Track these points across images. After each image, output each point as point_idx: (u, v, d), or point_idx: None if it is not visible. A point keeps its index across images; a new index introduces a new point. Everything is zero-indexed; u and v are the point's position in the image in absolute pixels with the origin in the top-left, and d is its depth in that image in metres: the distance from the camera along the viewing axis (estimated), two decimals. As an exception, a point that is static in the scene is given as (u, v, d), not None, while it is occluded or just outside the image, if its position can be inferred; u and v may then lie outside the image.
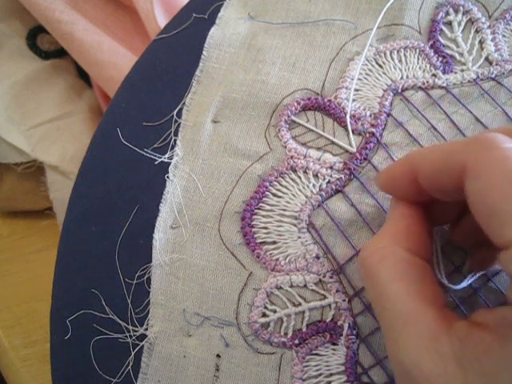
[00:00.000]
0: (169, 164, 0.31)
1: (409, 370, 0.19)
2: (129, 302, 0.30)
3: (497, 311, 0.19)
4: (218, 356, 0.28)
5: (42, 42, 0.50)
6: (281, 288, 0.28)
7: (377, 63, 0.31)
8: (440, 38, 0.32)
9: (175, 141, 0.32)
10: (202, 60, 0.33)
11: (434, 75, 0.31)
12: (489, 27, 0.32)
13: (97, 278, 0.30)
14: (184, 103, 0.32)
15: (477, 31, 0.32)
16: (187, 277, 0.29)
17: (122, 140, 0.32)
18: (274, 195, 0.30)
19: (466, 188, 0.19)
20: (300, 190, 0.29)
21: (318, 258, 0.28)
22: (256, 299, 0.28)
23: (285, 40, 0.32)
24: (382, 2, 0.32)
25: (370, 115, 0.30)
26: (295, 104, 0.30)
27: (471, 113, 0.30)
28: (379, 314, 0.22)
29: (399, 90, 0.31)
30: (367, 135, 0.30)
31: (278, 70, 0.32)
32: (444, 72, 0.31)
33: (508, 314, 0.18)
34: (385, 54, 0.31)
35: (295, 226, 0.29)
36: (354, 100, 0.30)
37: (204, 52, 0.33)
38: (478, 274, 0.26)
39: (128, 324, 0.29)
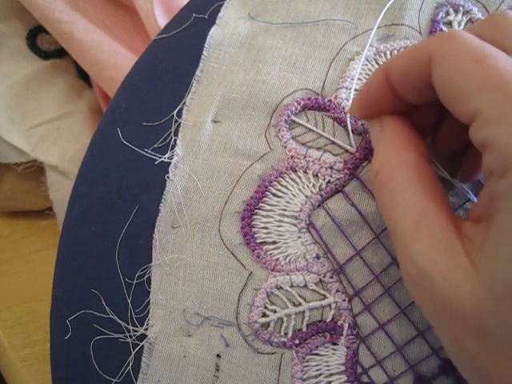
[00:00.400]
0: (169, 164, 0.31)
1: (423, 271, 0.20)
2: (129, 301, 0.30)
3: (481, 197, 0.20)
4: (218, 356, 0.28)
5: (42, 42, 0.50)
6: (281, 288, 0.28)
7: (377, 63, 0.31)
8: (440, 38, 0.32)
9: (175, 141, 0.32)
10: (202, 60, 0.33)
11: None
12: (489, 27, 0.32)
13: (97, 278, 0.30)
14: (184, 103, 0.32)
15: (477, 31, 0.32)
16: (187, 277, 0.29)
17: (122, 140, 0.32)
18: (274, 195, 0.30)
19: (433, 78, 0.21)
20: (300, 190, 0.29)
21: (318, 257, 0.28)
22: (256, 299, 0.28)
23: (285, 40, 0.32)
24: (381, 1, 0.32)
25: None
26: (295, 104, 0.30)
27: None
28: (394, 222, 0.22)
29: (399, 90, 0.31)
30: (367, 135, 0.30)
31: (278, 70, 0.32)
32: (444, 72, 0.31)
33: (487, 194, 0.19)
34: (385, 54, 0.31)
35: (295, 225, 0.29)
36: (349, 100, 0.30)
37: (204, 52, 0.33)
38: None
39: (128, 324, 0.29)
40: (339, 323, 0.28)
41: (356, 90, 0.31)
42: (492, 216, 0.18)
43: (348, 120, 0.29)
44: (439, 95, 0.21)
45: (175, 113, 0.32)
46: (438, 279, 0.19)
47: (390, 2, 0.31)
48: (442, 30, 0.32)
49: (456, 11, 0.32)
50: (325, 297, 0.28)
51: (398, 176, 0.22)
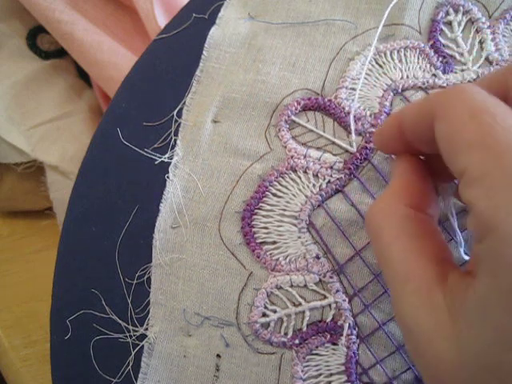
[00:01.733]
0: (169, 164, 0.31)
1: (409, 327, 0.20)
2: (129, 301, 0.30)
3: (472, 253, 0.19)
4: (218, 356, 0.28)
5: (42, 42, 0.50)
6: (281, 288, 0.28)
7: (377, 63, 0.31)
8: (440, 38, 0.32)
9: (175, 141, 0.32)
10: (202, 60, 0.33)
11: (434, 75, 0.31)
12: (489, 27, 0.32)
13: (97, 278, 0.30)
14: (184, 103, 0.32)
15: (477, 31, 0.32)
16: (187, 277, 0.29)
17: (122, 140, 0.32)
18: (274, 195, 0.30)
19: (435, 132, 0.20)
20: (300, 190, 0.29)
21: (318, 257, 0.28)
22: (256, 299, 0.28)
23: (285, 40, 0.32)
24: (381, 1, 0.32)
25: (370, 115, 0.30)
26: (295, 104, 0.30)
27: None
28: (384, 273, 0.22)
29: (399, 90, 0.31)
30: (367, 135, 0.30)
31: (278, 70, 0.32)
32: (444, 72, 0.31)
33: (474, 252, 0.19)
34: (385, 54, 0.31)
35: (295, 225, 0.29)
36: (353, 100, 0.30)
37: (204, 52, 0.33)
38: None
39: (128, 324, 0.29)
40: (339, 323, 0.28)
41: (353, 89, 0.31)
42: (473, 277, 0.18)
43: (352, 120, 0.29)
44: (440, 150, 0.20)
45: (175, 113, 0.32)
46: (421, 343, 0.19)
47: (393, 3, 0.31)
48: (441, 29, 0.32)
49: (456, 11, 0.32)
50: (325, 297, 0.28)
51: (386, 229, 0.22)
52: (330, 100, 0.30)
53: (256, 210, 0.29)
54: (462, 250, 0.25)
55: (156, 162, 0.31)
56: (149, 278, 0.30)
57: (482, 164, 0.17)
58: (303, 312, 0.28)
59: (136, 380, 0.29)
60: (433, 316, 0.19)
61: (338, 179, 0.29)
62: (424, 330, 0.19)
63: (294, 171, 0.30)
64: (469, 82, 0.31)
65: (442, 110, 0.20)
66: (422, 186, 0.23)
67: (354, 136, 0.29)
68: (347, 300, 0.28)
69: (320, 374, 0.28)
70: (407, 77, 0.31)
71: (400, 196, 0.23)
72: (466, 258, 0.25)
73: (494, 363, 0.17)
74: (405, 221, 0.22)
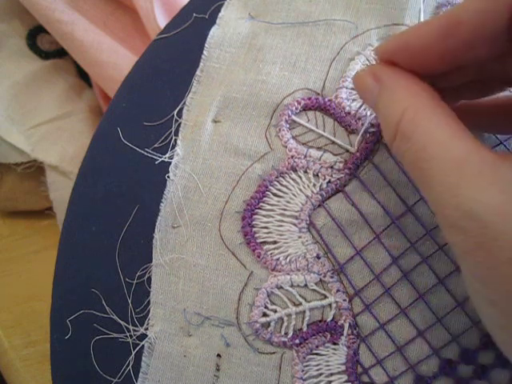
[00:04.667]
0: (169, 164, 0.31)
1: (472, 214, 0.19)
2: (129, 301, 0.30)
3: None
4: (219, 356, 0.28)
5: (42, 42, 0.50)
6: (281, 288, 0.28)
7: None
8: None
9: (176, 140, 0.32)
10: (202, 60, 0.33)
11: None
12: (489, 27, 0.32)
13: (97, 278, 0.30)
14: (184, 103, 0.32)
15: (477, 31, 0.32)
16: (188, 276, 0.29)
17: (123, 140, 0.32)
18: (275, 195, 0.30)
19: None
20: (300, 190, 0.29)
21: (318, 257, 0.28)
22: (256, 299, 0.28)
23: (285, 40, 0.32)
24: (382, 1, 0.32)
25: (371, 115, 0.30)
26: (296, 104, 0.30)
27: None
28: (430, 172, 0.20)
29: (400, 90, 0.31)
30: (368, 135, 0.30)
31: (279, 70, 0.32)
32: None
33: None
34: (385, 54, 0.31)
35: (296, 225, 0.29)
36: (354, 100, 0.30)
37: (204, 52, 0.33)
38: None
39: (128, 324, 0.29)
40: (340, 323, 0.28)
41: (354, 89, 0.31)
42: None
43: (366, 125, 0.29)
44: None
45: (175, 112, 0.32)
46: (490, 218, 0.18)
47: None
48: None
49: (456, 11, 0.32)
50: (325, 296, 0.28)
51: (423, 122, 0.21)
52: (330, 100, 0.30)
53: (256, 210, 0.29)
54: None
55: (156, 162, 0.31)
56: (149, 278, 0.30)
57: None
58: (304, 312, 0.28)
59: (136, 380, 0.29)
60: (504, 192, 0.18)
61: (338, 179, 0.29)
62: (494, 206, 0.18)
63: (295, 171, 0.30)
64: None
65: None
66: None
67: (360, 136, 0.29)
68: (347, 300, 0.28)
69: (320, 374, 0.28)
70: (407, 77, 0.31)
71: (419, 89, 0.21)
72: None
73: None
74: (440, 109, 0.21)
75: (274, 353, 0.28)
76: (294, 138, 0.30)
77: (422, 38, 0.21)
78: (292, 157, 0.30)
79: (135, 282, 0.30)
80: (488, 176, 0.19)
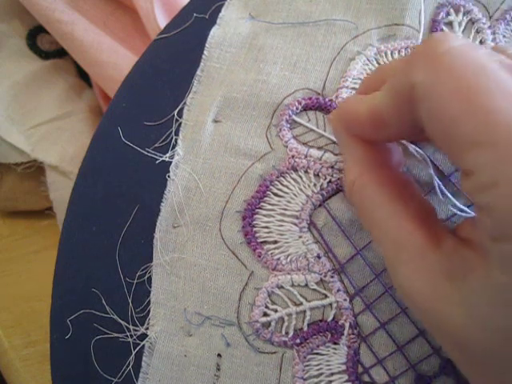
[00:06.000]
0: (170, 163, 0.31)
1: (407, 294, 0.20)
2: (129, 301, 0.30)
3: (477, 228, 0.19)
4: (219, 355, 0.28)
5: (42, 42, 0.50)
6: (282, 287, 0.28)
7: (378, 63, 0.31)
8: (440, 38, 0.32)
9: (176, 140, 0.32)
10: (203, 60, 0.33)
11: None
12: (489, 28, 0.32)
13: (97, 278, 0.30)
14: (185, 103, 0.32)
15: (477, 32, 0.32)
16: (188, 276, 0.29)
17: (123, 139, 0.32)
18: (275, 195, 0.30)
19: (419, 112, 0.18)
20: (301, 190, 0.29)
21: (319, 257, 0.28)
22: (257, 298, 0.28)
23: (286, 40, 0.32)
24: (382, 2, 0.32)
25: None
26: (296, 104, 0.30)
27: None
28: (378, 241, 0.22)
29: (400, 90, 0.31)
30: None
31: (279, 70, 0.32)
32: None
33: (487, 247, 0.18)
34: (386, 54, 0.31)
35: (296, 225, 0.29)
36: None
37: (205, 52, 0.33)
38: None
39: (129, 323, 0.29)
40: (340, 322, 0.28)
41: (354, 89, 0.31)
42: (482, 256, 0.18)
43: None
44: (429, 134, 0.18)
45: (176, 112, 0.32)
46: (420, 304, 0.19)
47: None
48: (442, 30, 0.32)
49: (457, 11, 0.32)
50: (326, 296, 0.28)
51: (368, 199, 0.22)
52: (330, 100, 0.31)
53: (257, 210, 0.29)
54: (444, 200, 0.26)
55: (157, 162, 0.31)
56: (149, 278, 0.30)
57: (494, 169, 0.16)
58: (304, 311, 0.28)
59: (137, 380, 0.29)
60: (429, 281, 0.19)
61: (338, 179, 0.29)
62: (421, 295, 0.19)
63: (295, 171, 0.30)
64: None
65: (421, 86, 0.17)
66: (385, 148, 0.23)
67: None
68: (348, 299, 0.28)
69: (321, 374, 0.28)
70: (408, 77, 0.31)
71: (370, 161, 0.22)
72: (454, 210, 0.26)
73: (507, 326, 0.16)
74: (383, 187, 0.21)
75: (274, 352, 0.28)
76: (294, 137, 0.30)
77: (356, 120, 0.23)
78: (293, 157, 0.30)
79: (135, 281, 0.30)
80: (417, 262, 0.19)
